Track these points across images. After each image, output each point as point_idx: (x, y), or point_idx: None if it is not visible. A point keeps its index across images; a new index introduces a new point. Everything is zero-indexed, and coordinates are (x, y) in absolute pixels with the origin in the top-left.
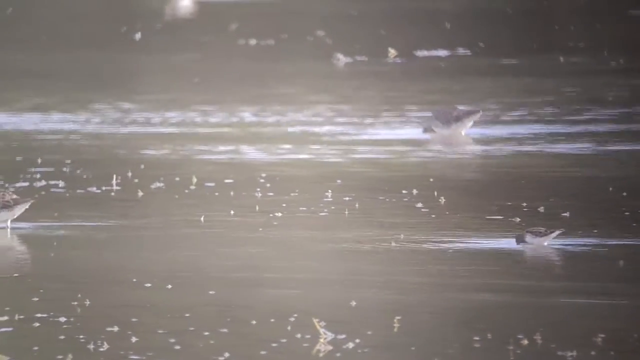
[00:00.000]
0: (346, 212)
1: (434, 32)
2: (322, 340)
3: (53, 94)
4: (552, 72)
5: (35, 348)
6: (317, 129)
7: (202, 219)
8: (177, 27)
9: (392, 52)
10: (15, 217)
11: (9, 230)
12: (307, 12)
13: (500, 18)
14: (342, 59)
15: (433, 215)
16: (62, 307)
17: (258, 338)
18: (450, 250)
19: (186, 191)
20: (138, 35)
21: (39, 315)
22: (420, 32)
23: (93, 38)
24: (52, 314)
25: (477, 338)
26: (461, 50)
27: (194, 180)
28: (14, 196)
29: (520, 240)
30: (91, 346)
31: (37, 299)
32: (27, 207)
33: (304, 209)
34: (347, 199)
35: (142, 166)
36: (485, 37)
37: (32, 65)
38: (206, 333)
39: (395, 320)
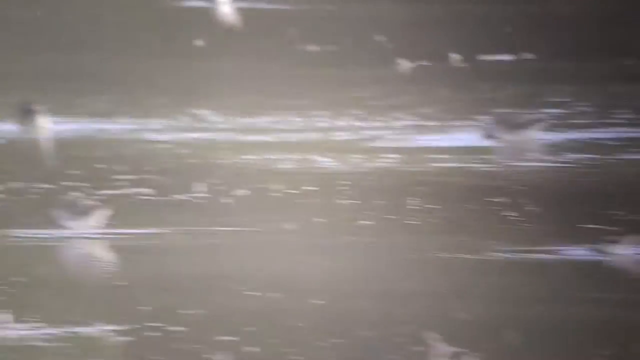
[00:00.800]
0: (432, 221)
1: (497, 36)
2: (435, 352)
3: (129, 102)
4: (618, 76)
5: (151, 358)
6: (392, 135)
7: (287, 226)
8: (238, 34)
9: (454, 56)
10: (96, 223)
11: (98, 237)
12: (367, 17)
13: (564, 21)
14: (404, 64)
15: (525, 225)
16: (174, 317)
17: (371, 349)
18: (551, 262)
19: (271, 199)
20: (200, 42)
21: (148, 324)
22: (483, 35)
23: (154, 45)
24: (164, 323)
25: (604, 352)
26: (526, 55)
27: (279, 187)
28: (93, 202)
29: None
30: (205, 356)
31: (145, 307)
32: (108, 214)
33: (391, 217)
34: (432, 206)
35: (227, 173)
36: (549, 40)
37: (103, 72)
38: (319, 343)
39: (506, 334)
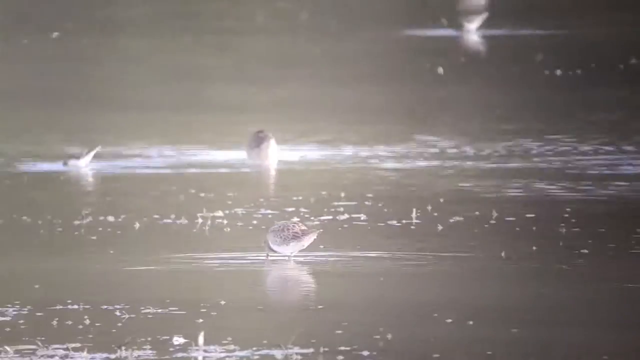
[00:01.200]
0: None
1: None
2: None
3: (354, 129)
4: None
5: None
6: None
7: (502, 254)
8: (480, 60)
9: None
10: (304, 247)
11: (292, 259)
12: (617, 40)
13: None
14: None
15: None
16: (365, 341)
17: None
18: None
19: (486, 226)
20: (440, 70)
21: (342, 348)
22: None
23: (397, 73)
24: (355, 347)
25: None
26: None
27: (494, 214)
28: (303, 227)
29: None
30: None
31: (340, 331)
32: (315, 237)
33: (613, 245)
34: None
35: (442, 200)
36: None
37: (342, 101)
38: None
39: None
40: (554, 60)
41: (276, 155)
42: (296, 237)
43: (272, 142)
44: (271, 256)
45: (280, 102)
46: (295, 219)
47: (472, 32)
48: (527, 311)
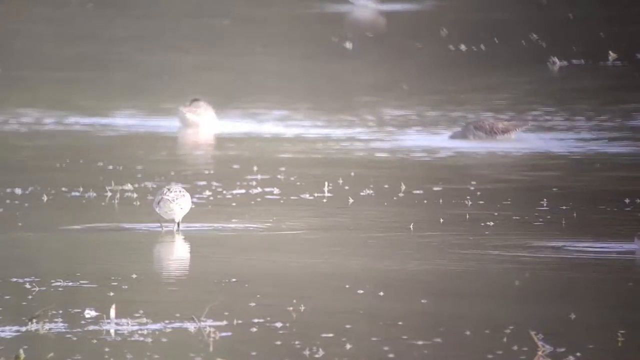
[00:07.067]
0: (563, 222)
1: None
2: (540, 352)
3: (267, 103)
4: None
5: (253, 353)
6: (529, 136)
7: (411, 226)
8: (388, 36)
9: (612, 55)
10: (167, 215)
11: (180, 232)
12: (519, 17)
13: None
14: (557, 63)
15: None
16: (278, 313)
17: (473, 349)
18: None
19: (394, 198)
20: (349, 45)
21: (256, 320)
22: None
23: (305, 48)
24: (268, 319)
25: None
26: None
27: (403, 187)
28: (169, 195)
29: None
30: (307, 352)
31: (254, 304)
32: (174, 207)
33: (517, 218)
34: (564, 207)
35: (353, 173)
36: None
37: (243, 75)
38: (420, 342)
39: (619, 335)
40: (459, 35)
41: (206, 121)
42: (157, 204)
43: (201, 104)
44: (165, 227)
45: (202, 70)
46: (174, 185)
47: (368, 6)
48: (436, 282)
